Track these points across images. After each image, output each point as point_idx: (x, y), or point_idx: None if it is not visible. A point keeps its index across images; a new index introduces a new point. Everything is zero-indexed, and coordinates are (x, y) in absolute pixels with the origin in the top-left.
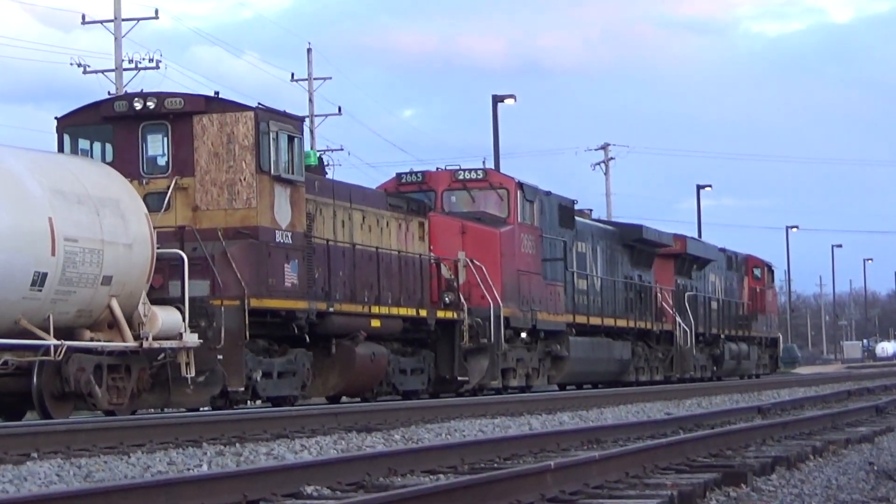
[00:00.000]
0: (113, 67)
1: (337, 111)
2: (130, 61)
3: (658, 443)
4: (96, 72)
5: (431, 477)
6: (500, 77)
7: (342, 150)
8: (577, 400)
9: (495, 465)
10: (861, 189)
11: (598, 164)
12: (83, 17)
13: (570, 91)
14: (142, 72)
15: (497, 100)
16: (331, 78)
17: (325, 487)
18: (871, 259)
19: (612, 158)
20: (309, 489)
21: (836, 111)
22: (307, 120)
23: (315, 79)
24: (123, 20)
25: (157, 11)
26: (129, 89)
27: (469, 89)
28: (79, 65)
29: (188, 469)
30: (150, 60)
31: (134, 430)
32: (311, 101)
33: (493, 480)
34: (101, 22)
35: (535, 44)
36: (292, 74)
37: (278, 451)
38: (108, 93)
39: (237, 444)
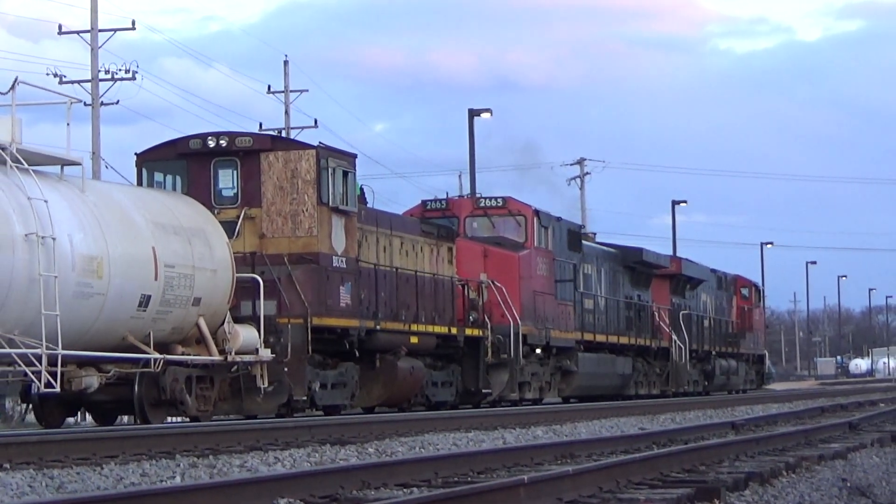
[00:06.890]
0: (89, 78)
1: (313, 124)
2: (107, 72)
3: (632, 458)
4: (72, 82)
5: (405, 490)
6: (472, 92)
7: None
8: (552, 414)
9: (469, 479)
10: (834, 206)
11: (574, 178)
12: (59, 27)
13: (542, 107)
14: (118, 83)
15: (473, 114)
16: (307, 90)
17: (299, 500)
18: (846, 276)
19: (587, 174)
20: (282, 502)
21: (806, 129)
22: (283, 132)
23: (291, 91)
24: (100, 31)
25: (133, 22)
26: (105, 100)
27: (440, 104)
28: (55, 75)
29: (161, 481)
30: (127, 71)
31: (107, 441)
32: (287, 113)
33: (467, 494)
34: (78, 32)
35: (505, 60)
36: (269, 87)
37: (252, 463)
38: (84, 104)
39: (211, 457)
